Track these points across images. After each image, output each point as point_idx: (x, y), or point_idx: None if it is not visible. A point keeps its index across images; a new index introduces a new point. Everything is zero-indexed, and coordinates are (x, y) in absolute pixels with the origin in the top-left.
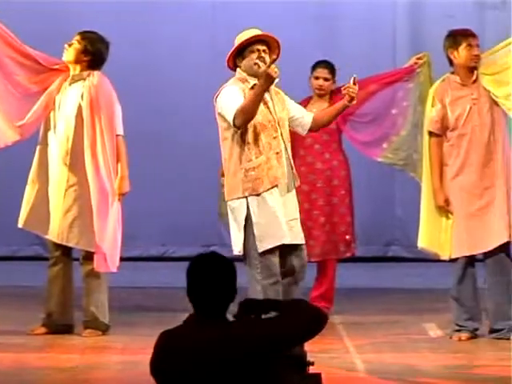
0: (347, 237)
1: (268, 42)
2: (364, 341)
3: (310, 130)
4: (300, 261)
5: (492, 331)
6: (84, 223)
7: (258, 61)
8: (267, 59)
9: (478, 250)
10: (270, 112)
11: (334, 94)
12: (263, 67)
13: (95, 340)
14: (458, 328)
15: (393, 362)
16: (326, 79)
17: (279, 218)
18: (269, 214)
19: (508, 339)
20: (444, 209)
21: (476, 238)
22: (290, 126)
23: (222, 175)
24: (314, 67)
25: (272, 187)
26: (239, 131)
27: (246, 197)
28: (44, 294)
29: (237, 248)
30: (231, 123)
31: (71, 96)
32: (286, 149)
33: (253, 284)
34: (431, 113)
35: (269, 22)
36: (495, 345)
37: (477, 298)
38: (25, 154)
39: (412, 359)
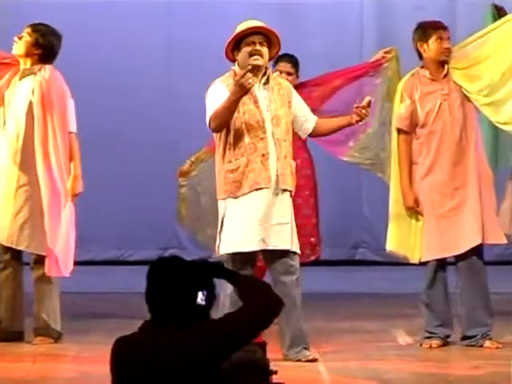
0: (312, 239)
1: (268, 36)
2: (330, 348)
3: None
4: (283, 266)
5: (464, 338)
6: (35, 225)
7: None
8: (264, 51)
9: (450, 252)
10: (260, 111)
11: (297, 89)
12: (254, 62)
13: (47, 348)
14: (428, 335)
15: (360, 371)
16: (288, 73)
17: (251, 224)
18: (239, 220)
19: (481, 346)
20: (413, 210)
21: (447, 240)
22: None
23: (180, 176)
24: (276, 61)
25: (251, 191)
26: (224, 131)
27: (226, 199)
28: None
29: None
30: (207, 126)
31: (21, 91)
32: (277, 149)
33: (224, 287)
34: (400, 109)
35: (231, 16)
36: (467, 352)
37: (448, 304)
38: None
39: (380, 367)
